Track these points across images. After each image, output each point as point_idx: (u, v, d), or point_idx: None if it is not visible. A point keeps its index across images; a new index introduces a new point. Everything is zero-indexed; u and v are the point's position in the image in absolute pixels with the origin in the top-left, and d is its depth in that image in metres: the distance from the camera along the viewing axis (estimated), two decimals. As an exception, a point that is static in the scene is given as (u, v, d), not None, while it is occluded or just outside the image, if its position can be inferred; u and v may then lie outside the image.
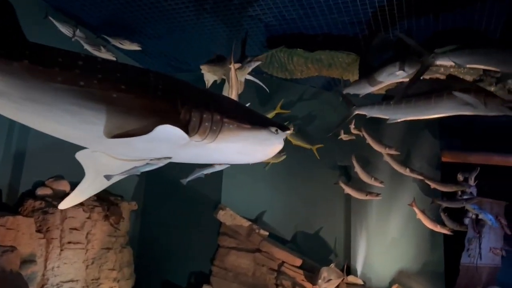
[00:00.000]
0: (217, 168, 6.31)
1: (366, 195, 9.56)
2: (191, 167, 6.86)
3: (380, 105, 5.66)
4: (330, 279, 8.86)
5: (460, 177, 11.41)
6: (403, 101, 5.36)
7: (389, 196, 10.40)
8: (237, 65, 6.24)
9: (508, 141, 12.07)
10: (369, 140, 9.56)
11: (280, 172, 9.44)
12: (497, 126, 12.18)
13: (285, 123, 9.25)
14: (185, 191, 8.68)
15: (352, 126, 9.48)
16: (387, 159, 9.82)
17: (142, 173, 3.61)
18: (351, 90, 6.23)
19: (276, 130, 3.57)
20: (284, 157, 8.61)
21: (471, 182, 12.61)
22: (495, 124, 12.10)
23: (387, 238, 10.32)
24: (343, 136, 9.55)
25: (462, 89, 4.86)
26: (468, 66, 5.02)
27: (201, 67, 6.37)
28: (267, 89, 7.52)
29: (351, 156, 9.57)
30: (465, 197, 11.44)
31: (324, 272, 8.85)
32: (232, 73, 5.82)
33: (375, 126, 10.65)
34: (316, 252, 9.35)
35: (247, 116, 3.45)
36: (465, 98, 4.67)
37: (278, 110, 9.01)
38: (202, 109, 3.02)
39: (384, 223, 10.33)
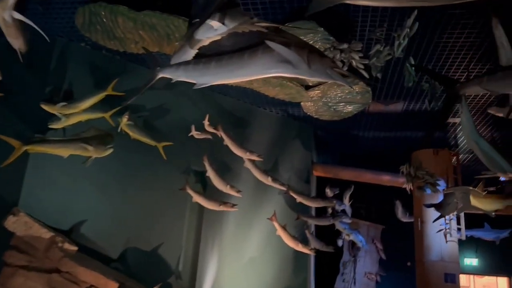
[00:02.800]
0: None
1: (220, 206, 7.79)
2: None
3: (186, 66, 3.94)
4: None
5: (328, 192, 10.17)
6: (213, 60, 3.67)
7: (250, 208, 8.74)
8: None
9: (381, 159, 11.21)
10: (228, 142, 7.87)
11: (111, 170, 7.31)
12: (371, 143, 11.34)
13: (125, 113, 7.29)
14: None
15: (206, 122, 7.75)
16: (248, 165, 8.20)
17: None
18: (174, 59, 4.42)
19: None
20: (110, 150, 6.54)
21: (346, 201, 11.54)
22: (369, 141, 11.23)
23: (244, 257, 8.59)
24: (195, 133, 7.74)
25: (281, 42, 3.23)
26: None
27: None
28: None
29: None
30: (339, 214, 10.20)
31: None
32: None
33: (240, 129, 9.08)
34: (151, 274, 7.26)
35: None
36: (283, 52, 3.03)
37: (109, 91, 6.99)
38: None
39: (242, 240, 8.61)
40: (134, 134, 7.38)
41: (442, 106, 4.36)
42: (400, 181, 10.53)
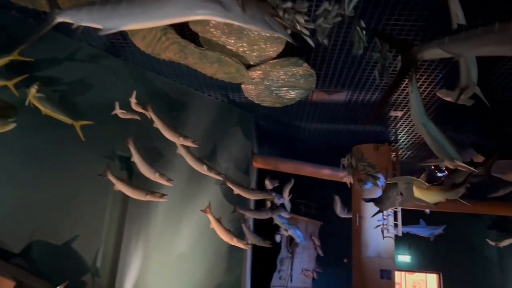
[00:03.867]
0: None
1: (147, 195, 6.90)
2: None
3: (91, 8, 3.10)
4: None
5: (267, 184, 9.60)
6: (123, 0, 2.86)
7: (182, 199, 7.92)
8: None
9: (322, 152, 10.82)
10: (158, 124, 6.99)
11: (15, 151, 6.15)
12: (313, 135, 10.92)
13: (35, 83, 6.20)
14: None
15: (133, 100, 6.82)
16: (181, 151, 7.37)
17: None
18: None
19: None
20: (12, 125, 5.46)
21: (286, 195, 11.04)
22: (311, 133, 10.81)
23: (173, 253, 7.75)
24: (119, 112, 6.79)
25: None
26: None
27: None
28: None
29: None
30: (278, 208, 9.64)
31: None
32: None
33: (175, 112, 8.23)
34: (62, 271, 6.21)
35: None
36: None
37: (15, 56, 5.89)
38: None
39: (171, 234, 7.76)
40: (45, 109, 6.30)
41: (396, 73, 3.84)
42: (340, 175, 10.22)
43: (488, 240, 13.89)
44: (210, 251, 8.15)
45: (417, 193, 5.80)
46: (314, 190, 14.34)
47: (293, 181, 10.81)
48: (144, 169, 6.87)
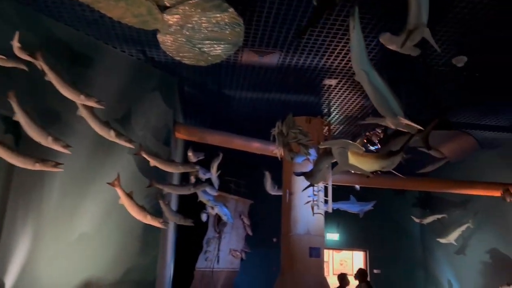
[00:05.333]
0: None
1: (36, 164, 5.58)
2: None
3: None
4: None
5: (191, 156, 8.59)
6: None
7: (87, 170, 6.65)
8: None
9: (253, 124, 9.95)
10: (52, 78, 5.62)
11: None
12: (243, 105, 10.01)
13: None
14: None
15: (16, 43, 5.40)
16: (83, 113, 6.07)
17: None
18: None
19: None
20: None
21: (213, 171, 10.10)
22: (241, 103, 9.89)
23: (73, 234, 6.47)
24: (-10, 56, 5.36)
25: None
26: None
27: None
28: None
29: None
30: (203, 183, 8.66)
31: None
32: None
33: (79, 68, 6.87)
34: None
35: None
36: None
37: None
38: None
39: (71, 211, 6.47)
40: None
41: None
42: (271, 149, 9.44)
43: (413, 217, 14.08)
44: (121, 230, 7.01)
45: (352, 159, 5.13)
46: (245, 168, 13.57)
47: (221, 156, 9.91)
48: (32, 131, 5.53)
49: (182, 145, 10.29)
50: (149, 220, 6.56)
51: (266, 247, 12.79)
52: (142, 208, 6.52)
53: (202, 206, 10.72)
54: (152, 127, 7.90)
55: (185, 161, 9.07)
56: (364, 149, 5.21)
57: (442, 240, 12.62)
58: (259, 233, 13.54)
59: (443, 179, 11.26)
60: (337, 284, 8.95)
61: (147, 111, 7.88)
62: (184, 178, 9.64)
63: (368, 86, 3.83)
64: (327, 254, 16.73)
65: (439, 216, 12.77)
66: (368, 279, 14.71)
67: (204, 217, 10.89)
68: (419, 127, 4.37)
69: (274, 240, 12.17)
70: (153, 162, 7.13)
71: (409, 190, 14.59)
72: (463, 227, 12.03)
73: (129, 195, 6.42)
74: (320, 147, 5.76)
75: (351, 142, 5.04)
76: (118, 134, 6.38)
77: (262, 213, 13.37)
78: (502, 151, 11.10)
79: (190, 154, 8.55)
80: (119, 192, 6.35)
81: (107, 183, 6.31)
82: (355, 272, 9.14)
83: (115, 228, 6.93)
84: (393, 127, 4.35)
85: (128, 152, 7.16)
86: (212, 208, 9.88)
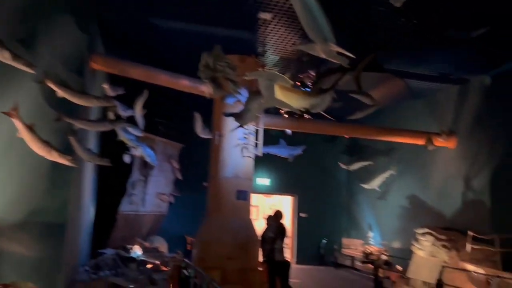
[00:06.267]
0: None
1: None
2: None
3: None
4: None
5: (108, 90, 7.76)
6: None
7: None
8: None
9: (180, 61, 9.15)
10: None
11: None
12: (169, 39, 9.13)
13: None
14: None
15: None
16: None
17: None
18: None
19: None
20: None
21: (138, 109, 9.26)
22: (166, 36, 9.00)
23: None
24: None
25: None
26: None
27: None
28: None
29: None
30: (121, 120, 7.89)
31: None
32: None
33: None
34: None
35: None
36: None
37: None
38: None
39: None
40: None
41: None
42: (201, 88, 8.84)
43: (340, 163, 14.38)
44: (23, 167, 6.19)
45: (280, 94, 4.72)
46: (176, 110, 12.84)
47: (146, 93, 9.07)
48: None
49: (104, 78, 9.30)
50: (54, 157, 5.79)
51: (196, 191, 12.43)
52: (45, 143, 5.71)
53: (126, 147, 9.99)
54: (62, 54, 6.90)
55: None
56: (292, 82, 4.80)
57: (366, 186, 13.05)
58: (190, 177, 13.13)
59: (372, 126, 11.42)
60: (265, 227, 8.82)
61: (57, 35, 6.82)
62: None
63: (300, 7, 3.34)
64: (257, 199, 16.91)
65: (366, 163, 13.10)
66: (292, 222, 15.19)
67: (127, 158, 10.17)
68: (351, 55, 4.00)
69: (205, 184, 11.85)
70: (61, 93, 6.25)
71: (338, 138, 14.82)
72: (386, 174, 12.46)
73: (30, 128, 5.57)
74: (246, 78, 5.26)
75: (279, 74, 4.60)
76: (15, 57, 5.40)
77: (192, 157, 12.89)
78: (428, 101, 11.38)
79: (106, 87, 7.69)
80: (17, 124, 5.49)
81: (3, 112, 5.40)
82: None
83: (17, 164, 6.10)
84: (323, 55, 3.95)
85: (32, 79, 6.20)
86: (135, 148, 9.18)
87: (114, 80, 8.86)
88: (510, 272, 7.32)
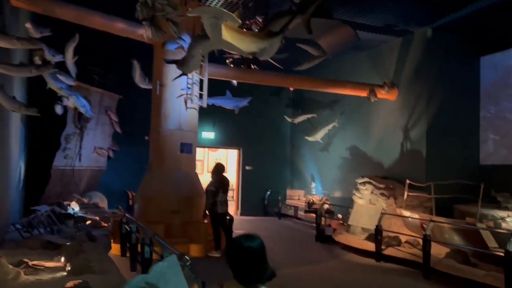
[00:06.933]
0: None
1: None
2: None
3: None
4: None
5: (31, 30, 6.86)
6: None
7: None
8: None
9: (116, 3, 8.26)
10: None
11: None
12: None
13: None
14: None
15: None
16: None
17: None
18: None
19: None
20: None
21: (69, 55, 8.34)
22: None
23: None
24: None
25: None
26: None
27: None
28: None
29: None
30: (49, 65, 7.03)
31: None
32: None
33: None
34: None
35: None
36: None
37: None
38: None
39: None
40: None
41: None
42: (139, 32, 8.10)
43: (285, 116, 14.33)
44: None
45: (227, 35, 4.31)
46: (111, 57, 11.87)
47: (78, 37, 8.16)
48: None
49: (29, 18, 8.21)
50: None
51: (138, 145, 11.84)
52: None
53: (58, 96, 9.13)
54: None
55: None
56: (240, 21, 4.39)
57: (310, 139, 13.15)
58: (130, 130, 12.45)
59: (317, 78, 11.34)
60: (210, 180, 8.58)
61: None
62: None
63: None
64: (202, 153, 16.61)
65: (309, 115, 13.13)
66: (237, 175, 15.17)
67: (58, 109, 9.34)
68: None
69: (146, 138, 11.29)
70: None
71: (283, 91, 14.67)
72: (329, 126, 12.59)
73: None
74: (188, 14, 4.76)
75: (226, 11, 4.16)
76: None
77: (132, 109, 12.16)
78: (371, 53, 11.42)
79: (29, 26, 6.77)
80: None
81: None
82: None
83: None
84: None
85: None
86: (67, 98, 8.39)
87: (43, 21, 7.86)
88: (442, 217, 7.76)
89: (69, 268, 5.64)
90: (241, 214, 14.44)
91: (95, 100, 11.56)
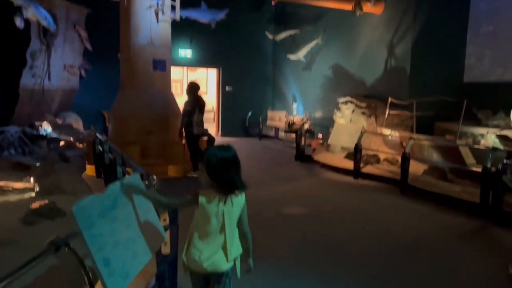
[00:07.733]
0: None
1: None
2: None
3: None
4: None
5: None
6: None
7: None
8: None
9: None
10: None
11: None
12: None
13: None
14: None
15: None
16: None
17: None
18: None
19: None
20: None
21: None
22: None
23: None
24: None
25: None
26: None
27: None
28: None
29: None
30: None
31: None
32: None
33: None
34: None
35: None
36: None
37: None
38: None
39: None
40: None
41: None
42: None
43: (267, 33, 13.56)
44: None
45: None
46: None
47: None
48: None
49: None
50: None
51: (111, 63, 11.09)
52: None
53: (16, 8, 8.23)
54: None
55: None
56: None
57: (292, 57, 12.59)
58: (102, 47, 11.60)
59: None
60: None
61: None
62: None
63: None
64: (181, 73, 15.90)
65: (292, 32, 12.44)
66: (217, 96, 14.69)
67: (19, 22, 8.46)
68: None
69: (119, 55, 10.57)
70: None
71: (265, 5, 13.70)
72: (312, 44, 11.99)
73: None
74: None
75: None
76: None
77: (102, 24, 11.22)
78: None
79: None
80: None
81: None
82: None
83: None
84: None
85: None
86: (26, 9, 7.55)
87: None
88: (421, 134, 7.64)
89: (37, 189, 5.39)
90: (222, 135, 14.25)
91: (61, 14, 10.59)
